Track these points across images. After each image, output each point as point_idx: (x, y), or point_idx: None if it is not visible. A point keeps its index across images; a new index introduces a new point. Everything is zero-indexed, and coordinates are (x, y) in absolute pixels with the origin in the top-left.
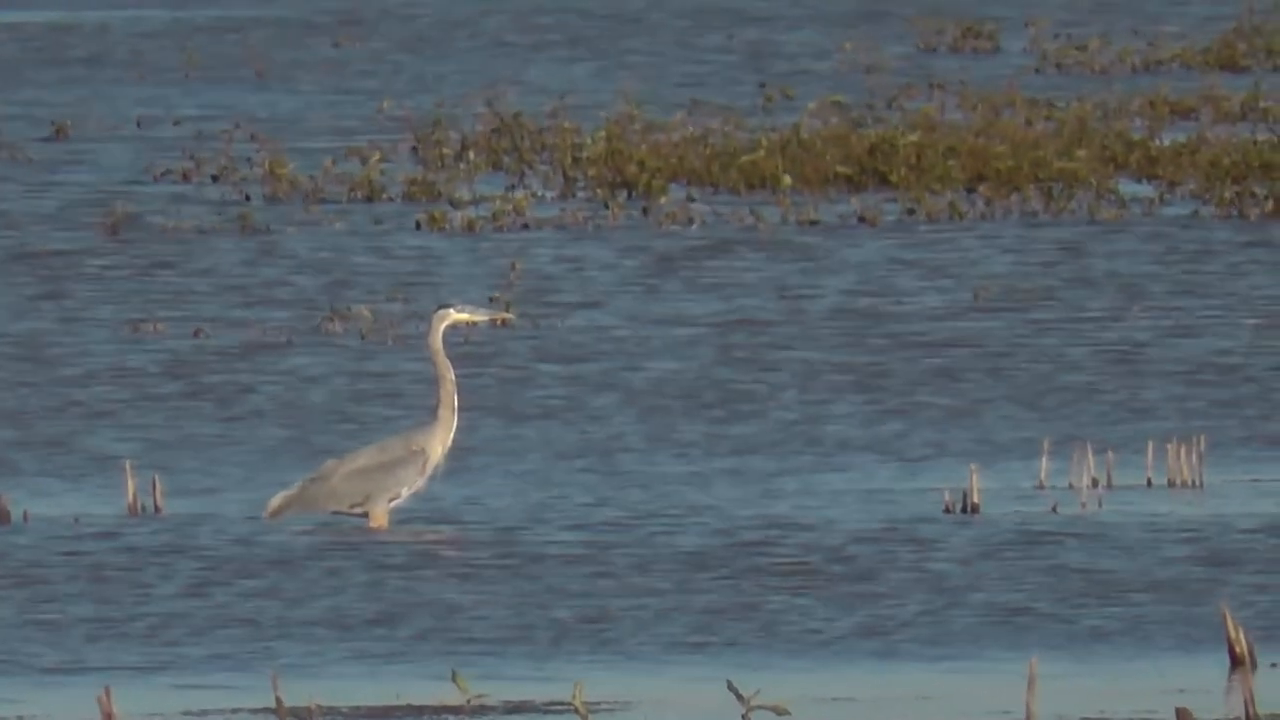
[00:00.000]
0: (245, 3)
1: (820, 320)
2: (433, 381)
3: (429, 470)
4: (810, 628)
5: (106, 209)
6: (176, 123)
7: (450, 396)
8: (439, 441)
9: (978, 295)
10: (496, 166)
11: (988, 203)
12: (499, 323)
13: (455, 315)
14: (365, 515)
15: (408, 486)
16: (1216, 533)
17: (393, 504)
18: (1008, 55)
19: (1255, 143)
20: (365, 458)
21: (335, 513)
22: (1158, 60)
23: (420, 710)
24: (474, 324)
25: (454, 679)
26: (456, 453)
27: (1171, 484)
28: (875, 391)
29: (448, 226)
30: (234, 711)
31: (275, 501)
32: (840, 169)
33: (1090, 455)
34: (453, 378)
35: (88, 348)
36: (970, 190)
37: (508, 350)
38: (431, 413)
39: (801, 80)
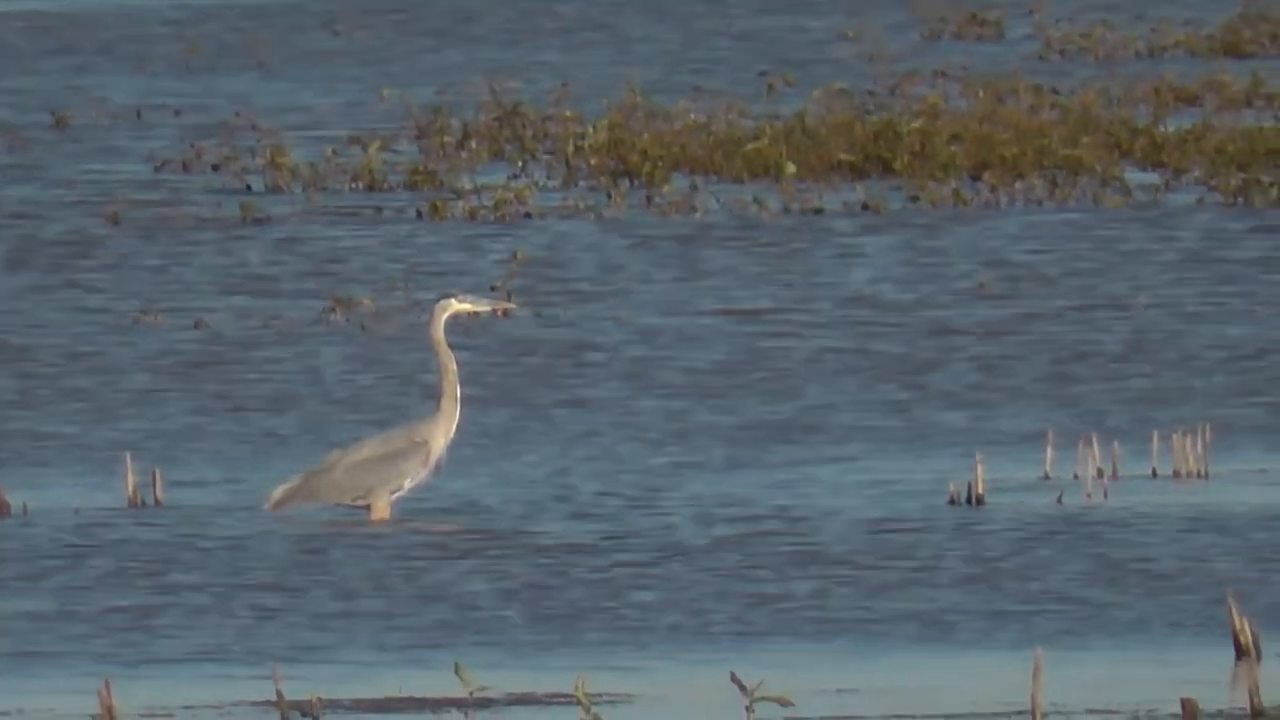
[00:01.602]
0: None
1: (823, 309)
2: (436, 372)
3: (431, 462)
4: (814, 618)
5: (107, 198)
6: (177, 112)
7: (453, 387)
8: (441, 433)
9: (982, 284)
10: (498, 155)
11: (992, 190)
12: (501, 313)
13: (457, 305)
14: (367, 507)
15: (410, 478)
16: (1222, 523)
17: (395, 496)
18: (1012, 42)
19: (1261, 129)
20: (368, 449)
21: (337, 504)
22: (1162, 46)
23: (422, 703)
24: (476, 314)
25: (456, 671)
26: (459, 443)
27: (1177, 474)
28: (879, 381)
29: (450, 215)
30: (234, 705)
31: (277, 493)
32: (844, 157)
33: (1095, 445)
34: (455, 368)
35: (88, 338)
36: (974, 178)
37: (509, 340)
38: (434, 404)
39: (804, 68)
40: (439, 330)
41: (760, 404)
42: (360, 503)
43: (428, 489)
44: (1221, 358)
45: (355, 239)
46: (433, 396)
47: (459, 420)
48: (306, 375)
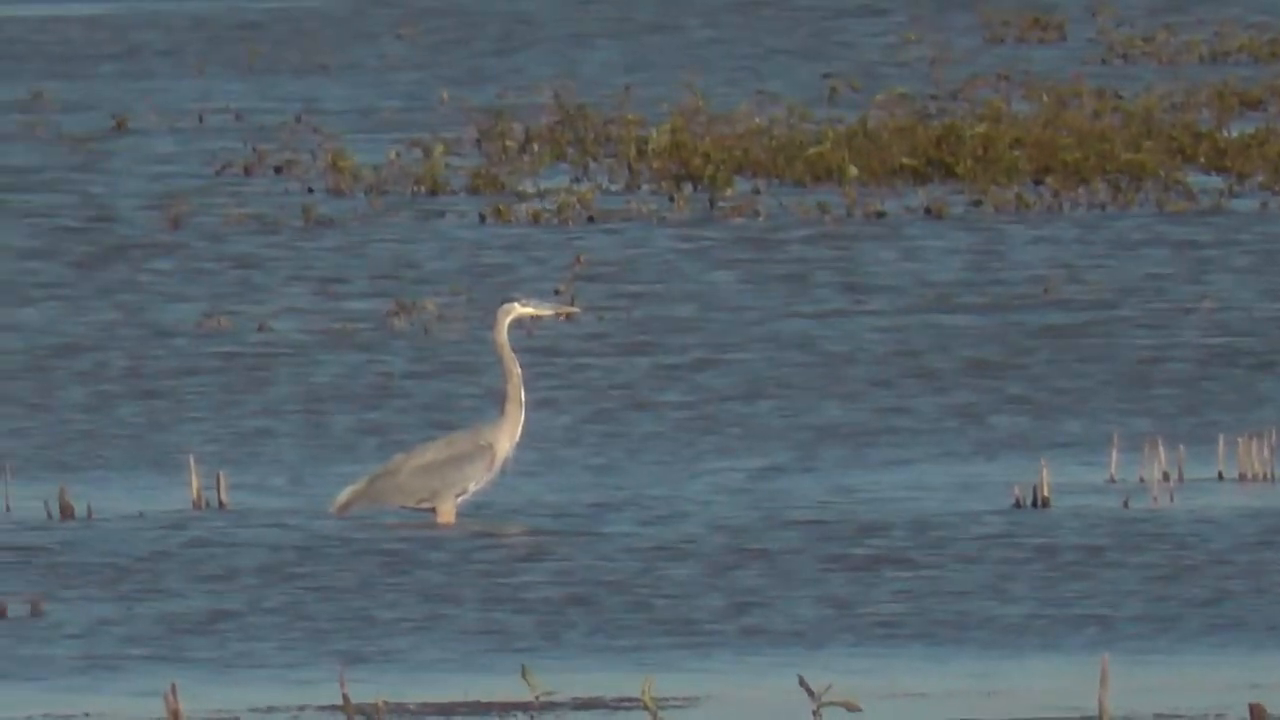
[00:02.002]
0: None
1: (888, 312)
2: (500, 376)
3: (497, 465)
4: (881, 621)
5: (168, 202)
6: (238, 116)
7: (517, 391)
8: (507, 436)
9: (1046, 288)
10: (560, 158)
11: (1054, 195)
12: (563, 316)
13: (520, 309)
14: (432, 510)
15: (475, 482)
16: None
17: (460, 499)
18: (1075, 46)
19: None
20: (433, 452)
21: (402, 507)
22: (1225, 51)
23: (488, 707)
24: (539, 318)
25: (523, 675)
26: (523, 446)
27: (1243, 477)
28: (944, 384)
29: (512, 219)
30: (300, 708)
31: (342, 496)
32: (906, 161)
33: (1161, 449)
34: (519, 372)
35: (151, 342)
36: (1037, 182)
37: (573, 344)
38: (499, 407)
39: (867, 72)
40: (502, 334)
41: (825, 405)
42: (425, 505)
43: (493, 491)
44: None
45: (417, 242)
46: (494, 399)
47: (524, 423)
48: (369, 379)
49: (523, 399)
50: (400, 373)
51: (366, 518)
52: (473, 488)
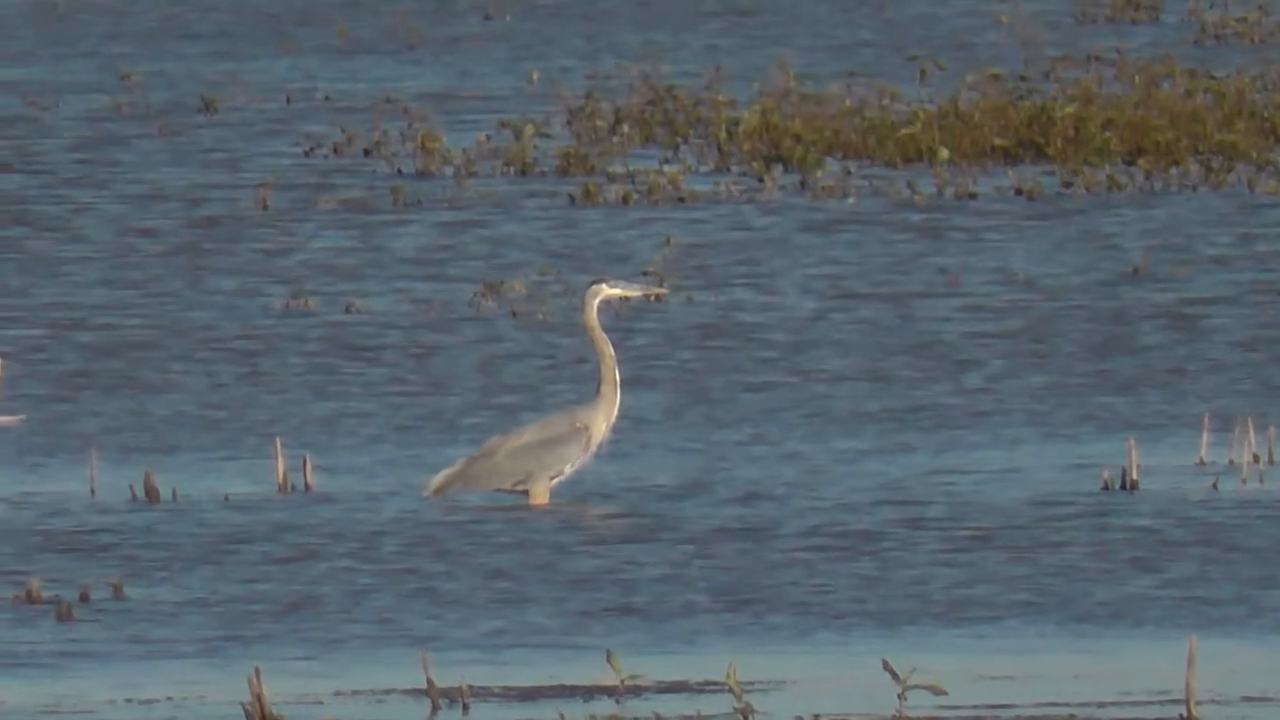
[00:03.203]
0: None
1: (976, 293)
2: (594, 357)
3: (592, 447)
4: (967, 604)
5: (258, 183)
6: (327, 97)
7: (611, 372)
8: (602, 418)
9: (1138, 269)
10: (650, 139)
11: (1147, 176)
12: (653, 298)
13: (608, 290)
14: (526, 493)
15: (571, 464)
16: None
17: (555, 481)
18: (1166, 26)
19: None
20: (528, 435)
21: (498, 490)
22: None
23: (573, 690)
24: (627, 299)
25: (608, 659)
26: (617, 428)
27: None
28: (1033, 365)
29: (602, 200)
30: (386, 692)
31: (438, 479)
32: (997, 141)
33: (1251, 431)
34: (612, 352)
35: (240, 323)
36: (1129, 163)
37: (666, 324)
38: (594, 389)
39: (956, 52)
40: (592, 316)
41: (912, 388)
42: (520, 488)
43: (585, 473)
44: None
45: (507, 223)
46: (584, 381)
47: (619, 405)
48: (459, 360)
49: (617, 379)
50: (488, 354)
51: (456, 501)
52: (569, 470)
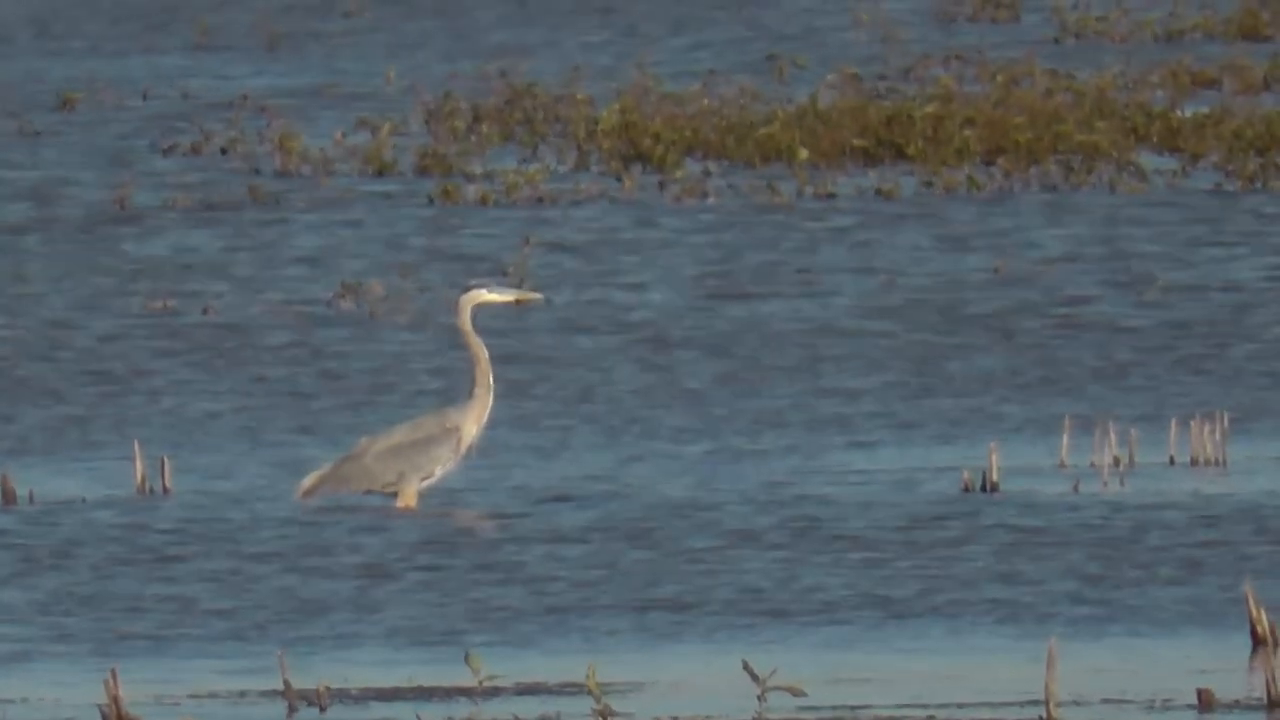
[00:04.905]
0: None
1: (836, 296)
2: (469, 360)
3: (463, 449)
4: (827, 608)
5: (114, 183)
6: (185, 95)
7: (485, 375)
8: (474, 419)
9: (997, 269)
10: (509, 139)
11: (1006, 176)
12: (525, 304)
13: (485, 296)
14: (396, 495)
15: (441, 465)
16: (1240, 511)
17: (425, 484)
18: (1027, 25)
19: (1279, 113)
20: (399, 435)
21: (368, 491)
22: (1179, 30)
23: (430, 692)
24: (500, 304)
25: (467, 660)
26: (487, 431)
27: (1194, 462)
28: (892, 368)
29: (461, 200)
30: (241, 694)
31: (308, 481)
32: (857, 142)
33: (1112, 433)
34: (486, 356)
35: (97, 326)
36: (989, 163)
37: (527, 326)
38: (467, 391)
39: (815, 51)
40: (466, 321)
41: (771, 391)
42: (391, 489)
43: (453, 476)
44: (1241, 344)
45: (365, 224)
46: (450, 384)
47: (491, 409)
48: (320, 361)
49: (490, 383)
50: (346, 355)
51: (321, 502)
52: (439, 471)
